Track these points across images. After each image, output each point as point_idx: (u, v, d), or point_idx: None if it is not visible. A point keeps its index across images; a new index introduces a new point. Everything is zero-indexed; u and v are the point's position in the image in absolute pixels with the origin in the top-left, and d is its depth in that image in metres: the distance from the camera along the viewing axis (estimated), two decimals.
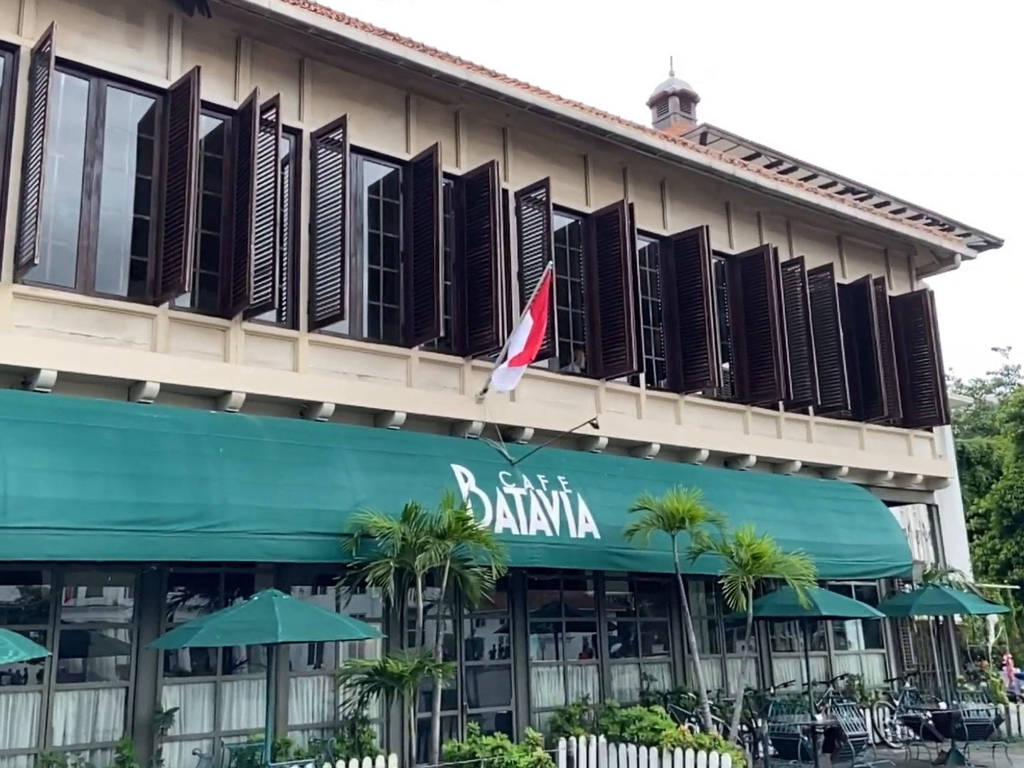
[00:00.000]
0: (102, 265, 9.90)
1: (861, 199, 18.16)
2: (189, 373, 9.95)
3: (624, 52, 77.63)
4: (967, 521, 23.86)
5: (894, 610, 15.14)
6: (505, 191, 12.74)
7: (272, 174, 10.47)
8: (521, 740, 10.73)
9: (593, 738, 11.27)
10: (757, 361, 14.79)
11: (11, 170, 9.37)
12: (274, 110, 10.70)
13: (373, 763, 9.75)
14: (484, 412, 11.90)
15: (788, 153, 18.70)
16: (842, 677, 15.71)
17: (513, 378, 11.28)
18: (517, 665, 12.21)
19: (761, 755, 12.77)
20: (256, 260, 10.17)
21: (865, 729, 13.52)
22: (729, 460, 14.66)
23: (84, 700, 9.23)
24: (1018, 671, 20.30)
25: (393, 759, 10.03)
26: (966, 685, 16.28)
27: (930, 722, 14.25)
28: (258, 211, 10.31)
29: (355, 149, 11.57)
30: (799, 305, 15.25)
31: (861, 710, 14.06)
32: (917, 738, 14.55)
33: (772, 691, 14.34)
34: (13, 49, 9.72)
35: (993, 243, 19.48)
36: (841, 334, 15.67)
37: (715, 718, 11.90)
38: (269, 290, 10.16)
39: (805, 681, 13.92)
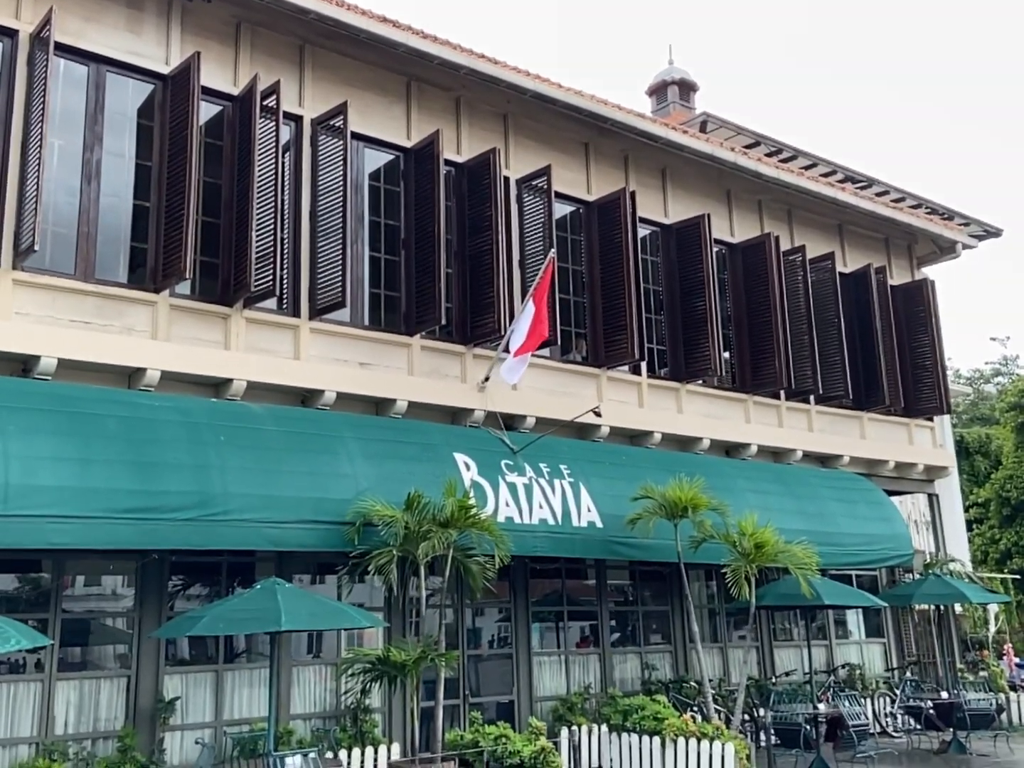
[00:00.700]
0: (102, 252, 9.83)
1: (861, 188, 18.11)
2: (190, 361, 9.89)
3: (623, 41, 77.43)
4: (966, 511, 23.87)
5: (896, 599, 15.13)
6: (506, 178, 12.67)
7: (273, 161, 10.40)
8: (524, 729, 10.72)
9: (595, 727, 11.25)
10: (758, 350, 14.74)
11: (10, 156, 9.29)
12: (274, 96, 10.61)
13: (375, 752, 9.74)
14: (486, 400, 11.85)
15: (787, 142, 18.65)
16: (843, 666, 15.70)
17: (520, 369, 11.21)
18: (519, 654, 12.18)
19: (763, 744, 12.76)
20: (257, 247, 10.10)
21: (867, 718, 13.52)
22: (730, 449, 14.63)
23: (85, 689, 9.18)
24: (1018, 660, 20.33)
25: (395, 748, 10.02)
26: (966, 675, 16.29)
27: (931, 711, 14.26)
28: (259, 198, 10.23)
29: (356, 136, 11.50)
30: (800, 294, 15.20)
31: (862, 699, 14.05)
32: (918, 727, 14.56)
33: (773, 680, 14.33)
34: (12, 34, 9.63)
35: (992, 232, 19.45)
36: (842, 323, 15.63)
37: (717, 707, 11.88)
38: (270, 277, 10.10)
39: (806, 670, 13.92)
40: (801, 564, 11.51)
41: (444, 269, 11.43)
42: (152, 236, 10.06)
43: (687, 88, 23.62)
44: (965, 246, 18.19)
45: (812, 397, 15.40)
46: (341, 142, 11.06)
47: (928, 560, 16.84)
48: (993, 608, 19.29)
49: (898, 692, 15.31)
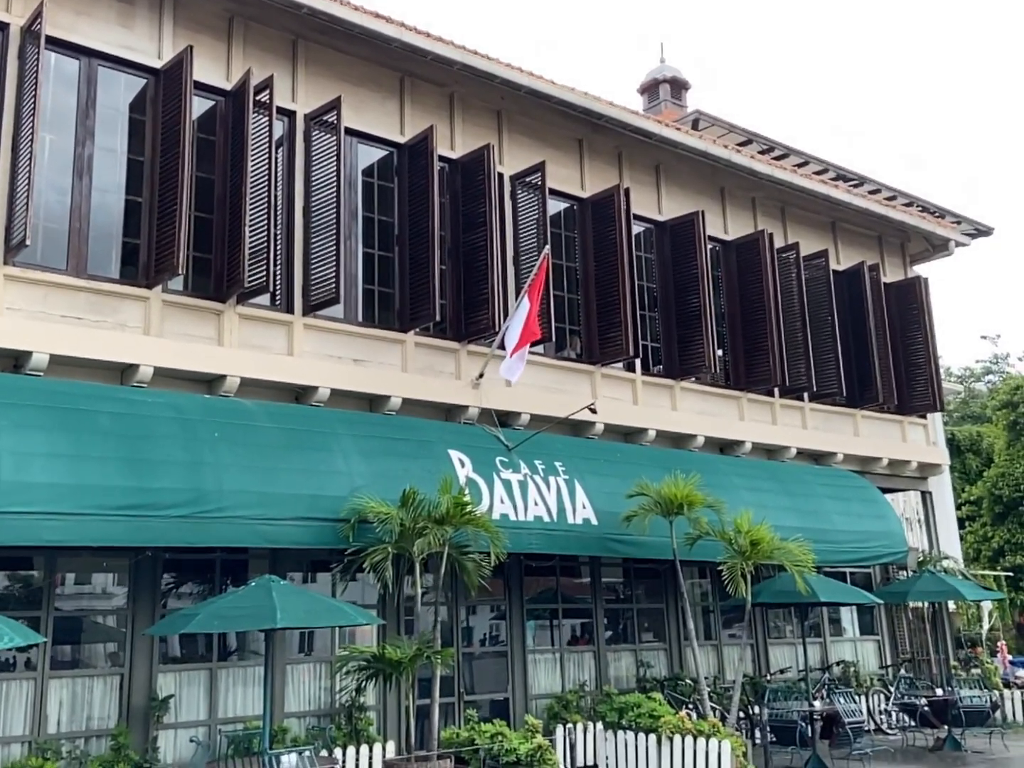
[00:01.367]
0: (94, 247, 9.75)
1: (853, 186, 18.13)
2: (183, 357, 9.81)
3: (613, 40, 77.49)
4: (957, 509, 23.89)
5: (891, 596, 15.12)
6: (500, 175, 12.61)
7: (266, 156, 10.34)
8: (519, 727, 10.67)
9: (591, 725, 11.20)
10: (753, 347, 14.73)
11: (1, 151, 9.20)
12: (267, 91, 10.54)
13: (371, 750, 9.68)
14: (480, 398, 11.81)
15: (779, 140, 18.66)
16: (837, 664, 15.70)
17: (519, 367, 11.15)
18: (514, 652, 12.13)
19: (758, 741, 12.74)
20: (250, 243, 10.02)
21: (863, 715, 13.51)
22: (725, 446, 14.62)
23: (78, 687, 9.11)
24: (1011, 658, 20.36)
25: (391, 746, 9.96)
26: (960, 672, 16.30)
27: (926, 708, 14.26)
28: (252, 193, 10.15)
29: (349, 131, 11.45)
30: (794, 291, 15.20)
31: (857, 696, 14.05)
32: (913, 724, 14.57)
33: (768, 678, 14.32)
34: (3, 27, 9.56)
35: (983, 231, 19.49)
36: (836, 320, 15.62)
37: (712, 705, 11.85)
38: (263, 273, 10.04)
39: (801, 668, 13.90)
40: (797, 561, 11.50)
41: (438, 265, 11.38)
42: (144, 231, 9.98)
43: (679, 86, 23.60)
44: (958, 244, 18.22)
45: (806, 394, 15.39)
46: (334, 137, 11.00)
47: (921, 557, 16.84)
48: (987, 605, 19.33)
49: (892, 689, 15.31)
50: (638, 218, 14.04)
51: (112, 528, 8.32)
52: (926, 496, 17.83)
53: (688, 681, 13.08)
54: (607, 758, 10.94)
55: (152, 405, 9.20)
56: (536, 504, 11.27)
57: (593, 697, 12.40)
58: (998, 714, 14.93)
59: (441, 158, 11.99)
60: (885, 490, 16.27)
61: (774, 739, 12.43)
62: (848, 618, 16.66)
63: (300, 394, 10.70)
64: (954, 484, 24.49)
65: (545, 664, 12.52)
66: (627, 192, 13.42)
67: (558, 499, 11.47)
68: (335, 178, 10.88)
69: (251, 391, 10.25)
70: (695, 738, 10.35)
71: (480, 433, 11.59)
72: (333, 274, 10.62)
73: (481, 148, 12.21)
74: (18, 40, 9.53)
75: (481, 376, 11.76)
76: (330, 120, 11.09)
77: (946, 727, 13.87)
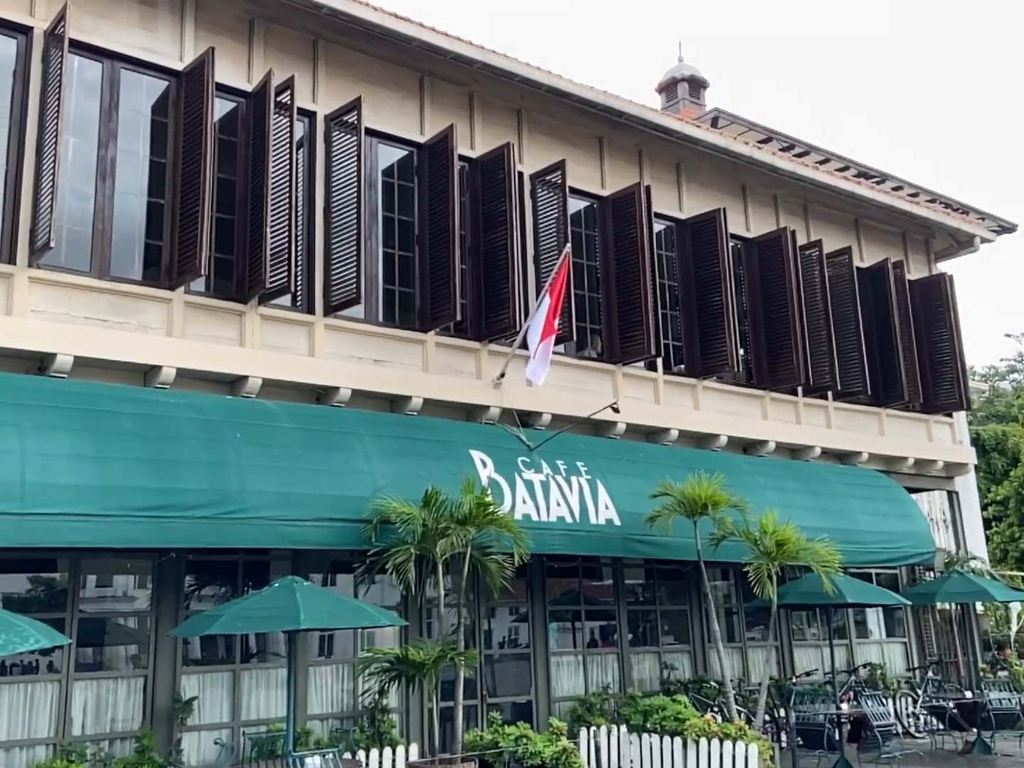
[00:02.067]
0: (117, 249, 9.77)
1: (875, 183, 17.95)
2: (205, 358, 9.81)
3: (632, 39, 77.32)
4: (983, 509, 23.64)
5: (919, 597, 14.94)
6: (520, 173, 12.57)
7: (287, 157, 10.32)
8: (543, 730, 10.59)
9: (616, 728, 11.11)
10: (775, 346, 14.60)
11: (26, 153, 9.25)
12: (288, 92, 10.55)
13: (394, 753, 9.62)
14: (501, 397, 11.75)
15: (800, 137, 18.50)
16: (864, 666, 15.52)
17: (544, 369, 11.06)
18: (536, 654, 12.05)
19: (785, 745, 12.60)
20: (271, 244, 10.00)
21: (891, 718, 13.34)
22: (748, 446, 14.49)
23: (102, 689, 9.10)
24: None
25: (414, 748, 9.90)
26: (988, 674, 16.09)
27: (955, 711, 14.07)
28: (273, 194, 10.14)
29: (369, 132, 11.42)
30: (817, 289, 15.06)
31: (884, 699, 13.88)
32: (942, 728, 14.36)
33: (794, 680, 14.17)
34: (26, 31, 9.58)
35: (1007, 228, 19.26)
36: (860, 318, 15.46)
37: (738, 707, 11.73)
38: (285, 274, 10.02)
39: (827, 670, 13.75)
40: (823, 562, 11.36)
41: (458, 265, 11.33)
42: (167, 233, 9.99)
43: (697, 85, 23.46)
44: (984, 240, 18.00)
45: (830, 393, 15.24)
46: (355, 138, 10.98)
47: (948, 558, 16.64)
48: (1015, 607, 19.08)
49: (920, 692, 15.13)
50: (659, 216, 13.96)
51: (136, 529, 8.31)
52: (953, 496, 17.62)
53: (713, 683, 12.96)
54: (632, 761, 10.82)
55: (175, 406, 9.19)
56: (558, 504, 11.20)
57: (617, 700, 12.31)
58: None
59: (461, 157, 11.94)
60: (911, 490, 16.08)
61: (801, 742, 12.28)
62: (874, 620, 16.48)
63: (321, 395, 10.68)
64: (979, 484, 24.23)
65: (568, 666, 12.44)
66: (647, 190, 13.33)
67: (580, 499, 11.39)
68: (355, 178, 10.85)
69: (273, 392, 10.23)
70: (721, 741, 10.23)
71: (501, 433, 11.53)
72: (354, 274, 10.59)
73: (501, 147, 12.16)
74: (42, 44, 9.55)
75: (502, 376, 11.71)
76: (350, 120, 11.07)
77: (975, 730, 13.68)
